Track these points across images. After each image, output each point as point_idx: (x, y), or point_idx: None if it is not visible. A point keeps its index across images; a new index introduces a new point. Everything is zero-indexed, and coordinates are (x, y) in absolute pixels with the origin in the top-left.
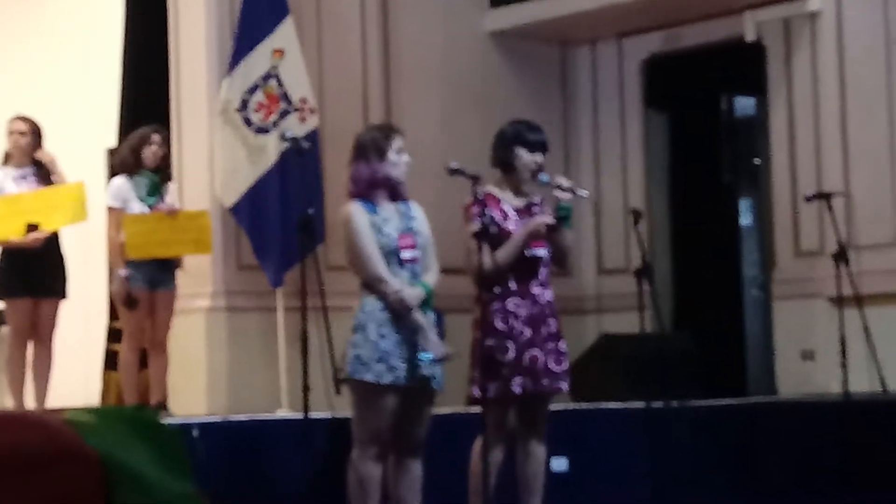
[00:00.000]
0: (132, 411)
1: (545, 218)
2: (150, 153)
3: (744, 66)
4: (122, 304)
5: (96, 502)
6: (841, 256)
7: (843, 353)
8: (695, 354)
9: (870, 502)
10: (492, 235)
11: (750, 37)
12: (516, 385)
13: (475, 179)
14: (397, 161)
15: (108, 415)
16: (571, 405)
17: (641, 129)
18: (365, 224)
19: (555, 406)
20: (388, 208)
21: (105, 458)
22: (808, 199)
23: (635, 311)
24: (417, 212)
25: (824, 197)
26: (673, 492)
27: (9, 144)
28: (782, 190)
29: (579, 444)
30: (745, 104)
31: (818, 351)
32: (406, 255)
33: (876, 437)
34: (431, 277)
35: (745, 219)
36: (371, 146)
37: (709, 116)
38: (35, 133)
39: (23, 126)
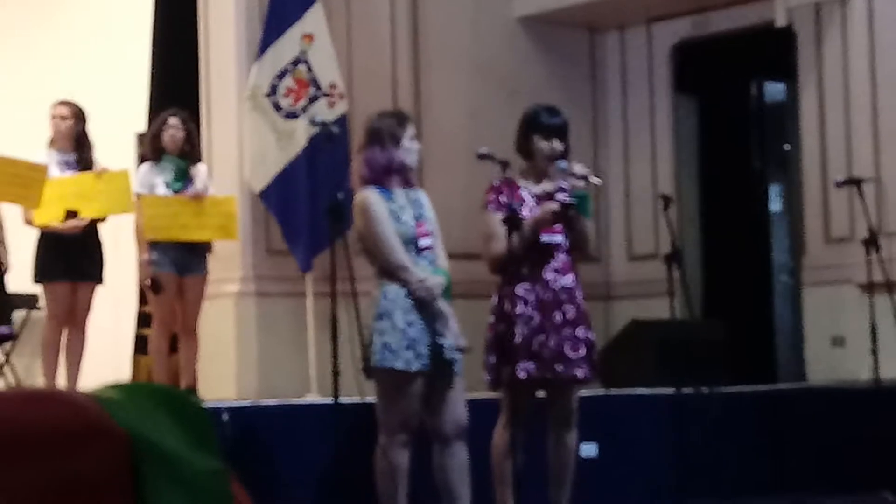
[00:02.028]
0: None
1: (551, 205)
2: (169, 137)
3: (774, 51)
4: (147, 288)
5: (123, 478)
6: (871, 242)
7: (874, 339)
8: (724, 341)
9: None
10: (517, 221)
11: (780, 22)
12: (522, 370)
13: (504, 165)
14: (411, 148)
15: (137, 391)
16: (601, 391)
17: (671, 114)
18: (384, 211)
19: (584, 392)
20: (401, 196)
21: (133, 435)
22: (839, 185)
23: (665, 297)
24: (425, 199)
25: (854, 183)
26: (701, 478)
27: (51, 129)
28: (812, 176)
29: (609, 429)
30: (775, 90)
31: (848, 337)
32: (423, 242)
33: None
34: (446, 265)
35: (775, 205)
36: (387, 132)
37: (738, 102)
38: (77, 117)
39: (65, 110)
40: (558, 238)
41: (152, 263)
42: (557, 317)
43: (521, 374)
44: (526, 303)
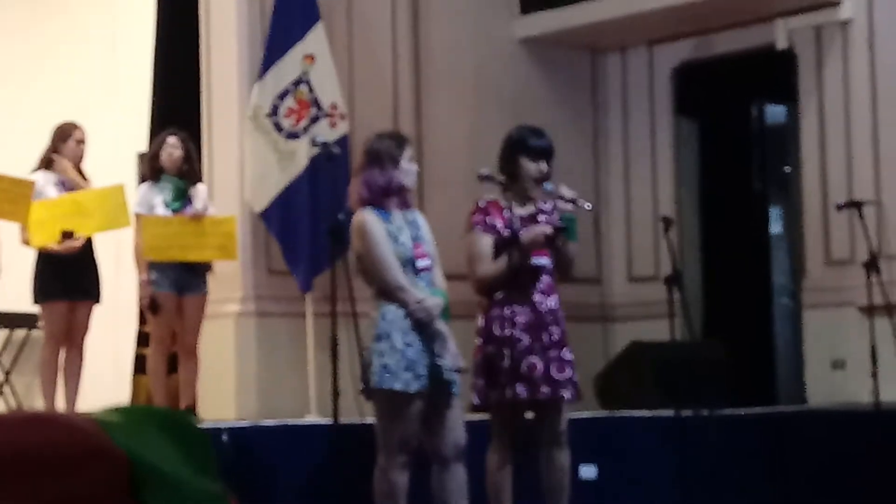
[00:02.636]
0: (160, 410)
1: (544, 228)
2: (167, 156)
3: (775, 73)
4: (145, 308)
5: (122, 500)
6: (872, 265)
7: (874, 362)
8: (724, 362)
9: None
10: (501, 242)
11: (781, 44)
12: (512, 392)
13: (505, 186)
14: (409, 169)
15: (137, 414)
16: (600, 412)
17: (672, 136)
18: (382, 233)
19: (583, 414)
20: (398, 217)
21: (133, 457)
22: (839, 208)
23: (665, 319)
24: (422, 221)
25: (855, 205)
26: (701, 500)
27: (68, 150)
28: (813, 198)
29: (608, 451)
30: (775, 112)
31: (848, 360)
32: (421, 263)
33: None
34: (444, 286)
35: (776, 227)
36: (386, 154)
37: (739, 124)
38: (83, 141)
39: (84, 135)
40: (545, 260)
41: (152, 283)
42: (545, 338)
43: (512, 397)
44: (514, 325)
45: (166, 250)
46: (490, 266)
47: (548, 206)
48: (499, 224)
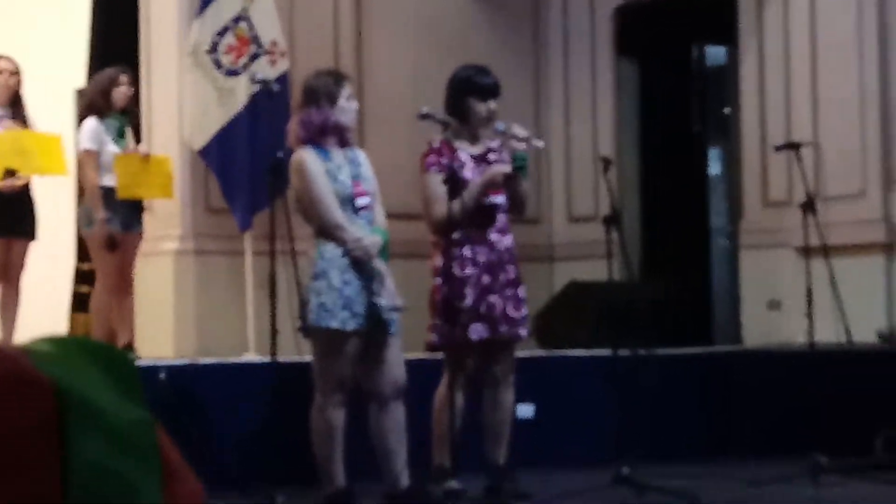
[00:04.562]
0: (89, 340)
1: (503, 167)
2: (121, 94)
3: (715, 16)
4: (104, 246)
5: (49, 428)
6: (809, 207)
7: (810, 303)
8: (662, 303)
9: (833, 452)
10: (454, 182)
11: None
12: (474, 331)
13: (445, 125)
14: (347, 107)
15: (65, 344)
16: (538, 352)
17: (612, 77)
18: (320, 171)
19: (521, 353)
20: (338, 155)
21: (58, 385)
22: (778, 150)
23: (603, 259)
24: (363, 159)
25: (793, 147)
26: (638, 439)
27: None
28: (751, 140)
29: (546, 391)
30: (715, 54)
31: (784, 301)
32: (361, 202)
33: (840, 387)
34: (384, 225)
35: (714, 168)
36: (323, 92)
37: (679, 66)
38: (16, 73)
39: (9, 65)
40: (500, 199)
41: (107, 221)
42: (502, 277)
43: (474, 336)
44: (474, 264)
45: (134, 188)
46: (445, 206)
47: (495, 144)
48: (454, 164)
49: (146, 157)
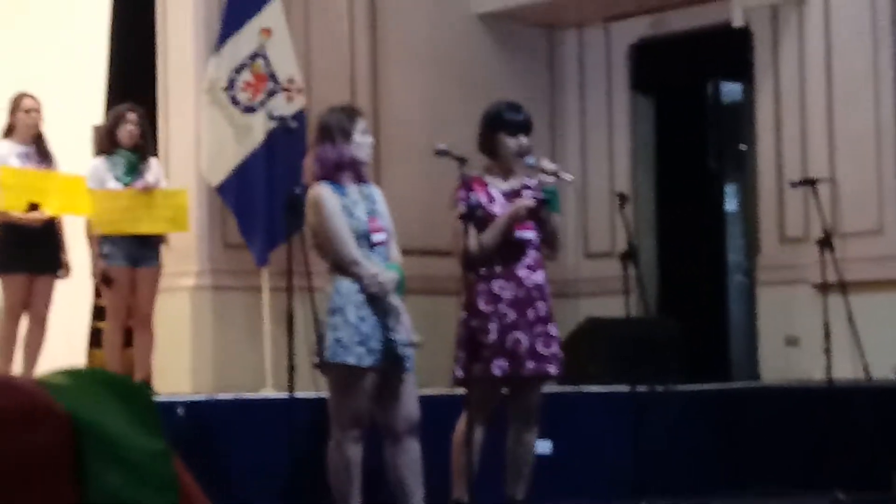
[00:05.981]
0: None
1: (526, 201)
2: (126, 132)
3: (731, 51)
4: (98, 282)
5: (65, 458)
6: (826, 243)
7: (827, 339)
8: (679, 339)
9: (851, 488)
10: (478, 218)
11: (737, 22)
12: (497, 367)
13: (461, 161)
14: (362, 142)
15: (81, 376)
16: (556, 388)
17: (628, 113)
18: (336, 207)
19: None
20: (354, 191)
21: (75, 416)
22: (794, 186)
23: (620, 295)
24: (378, 195)
25: (810, 183)
26: (656, 476)
27: (18, 120)
28: (768, 176)
29: (563, 427)
30: (731, 90)
31: (802, 337)
32: (376, 237)
33: (859, 423)
34: (399, 260)
35: (731, 204)
36: (336, 128)
37: (695, 102)
38: (39, 111)
39: (34, 104)
40: (530, 234)
41: (105, 257)
42: (530, 314)
43: (497, 372)
44: (500, 300)
45: (117, 223)
46: (474, 241)
47: (532, 182)
48: (483, 199)
49: (147, 191)
